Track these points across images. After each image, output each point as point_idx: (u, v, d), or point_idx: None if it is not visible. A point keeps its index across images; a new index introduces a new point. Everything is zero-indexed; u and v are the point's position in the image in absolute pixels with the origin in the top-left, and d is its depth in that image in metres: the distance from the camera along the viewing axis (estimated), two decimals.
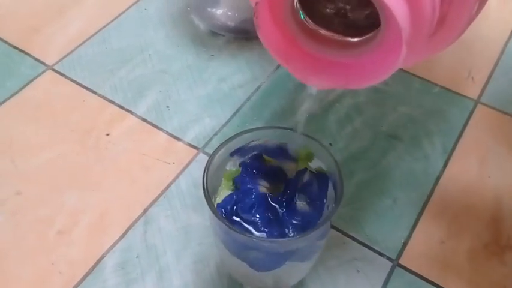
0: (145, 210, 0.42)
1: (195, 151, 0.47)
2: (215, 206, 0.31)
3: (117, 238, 0.41)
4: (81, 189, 0.44)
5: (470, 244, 0.41)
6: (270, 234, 0.30)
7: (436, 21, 0.22)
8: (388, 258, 0.40)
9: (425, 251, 0.41)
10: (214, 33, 0.56)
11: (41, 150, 0.46)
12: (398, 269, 0.40)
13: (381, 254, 0.40)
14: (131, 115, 0.49)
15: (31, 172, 0.45)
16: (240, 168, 0.32)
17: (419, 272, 0.40)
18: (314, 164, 0.34)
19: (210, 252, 0.40)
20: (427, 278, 0.39)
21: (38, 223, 0.41)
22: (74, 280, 0.39)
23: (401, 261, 0.40)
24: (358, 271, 0.40)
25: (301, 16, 0.26)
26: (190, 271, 0.39)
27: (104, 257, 0.40)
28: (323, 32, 0.27)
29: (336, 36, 0.26)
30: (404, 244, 0.41)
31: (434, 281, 0.39)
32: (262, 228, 0.30)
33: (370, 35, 0.25)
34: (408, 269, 0.40)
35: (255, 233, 0.30)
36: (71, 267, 0.39)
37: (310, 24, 0.26)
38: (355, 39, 0.26)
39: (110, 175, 0.45)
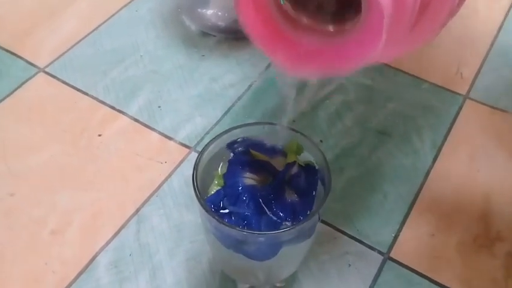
0: (138, 209, 0.43)
1: (187, 150, 0.47)
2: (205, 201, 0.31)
3: (110, 237, 0.41)
4: (74, 189, 0.44)
5: (460, 237, 0.42)
6: (258, 226, 0.30)
7: (417, 10, 0.23)
8: (379, 252, 0.41)
9: (415, 245, 0.41)
10: (205, 34, 0.57)
11: (33, 151, 0.46)
12: (389, 263, 0.40)
13: (371, 248, 0.41)
14: (123, 115, 0.49)
15: (24, 173, 0.45)
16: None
17: (410, 265, 0.40)
18: (303, 159, 0.34)
19: (202, 250, 0.40)
20: (418, 270, 0.40)
21: (31, 223, 0.42)
22: (67, 279, 0.39)
23: (392, 255, 0.41)
24: (349, 265, 0.40)
25: (282, 1, 0.26)
26: (183, 269, 0.40)
27: (97, 256, 0.40)
28: (304, 20, 0.27)
29: (317, 25, 0.27)
30: (395, 238, 0.42)
31: (425, 274, 0.40)
32: (252, 220, 0.30)
33: (350, 23, 0.25)
34: (399, 262, 0.40)
35: (242, 225, 0.30)
36: (64, 267, 0.39)
37: (292, 12, 0.27)
38: (336, 28, 0.26)
39: (102, 175, 0.45)
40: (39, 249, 0.40)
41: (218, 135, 0.34)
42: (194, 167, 0.32)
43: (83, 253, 0.40)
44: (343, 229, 0.42)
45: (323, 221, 0.42)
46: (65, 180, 0.44)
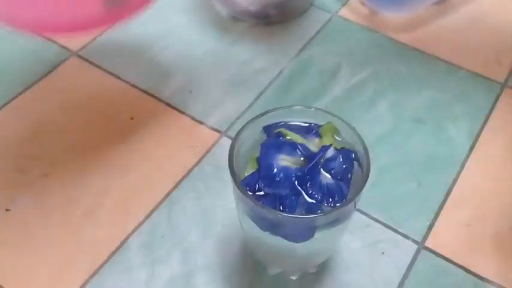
0: (169, 193, 0.43)
1: (218, 135, 0.47)
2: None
3: (142, 219, 0.41)
4: (106, 171, 0.44)
5: (497, 227, 0.41)
6: (293, 207, 0.30)
7: None
8: (414, 241, 0.40)
9: (451, 234, 0.40)
10: (235, 19, 0.56)
11: (67, 133, 0.47)
12: (423, 252, 0.39)
13: (406, 237, 0.40)
14: (155, 99, 0.49)
15: (58, 155, 0.45)
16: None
17: (445, 255, 0.39)
18: (340, 145, 0.34)
19: (234, 234, 0.40)
20: (453, 260, 0.39)
21: (65, 204, 0.42)
22: (100, 260, 0.39)
23: (426, 244, 0.40)
24: (383, 253, 0.39)
25: None
26: (215, 252, 0.39)
27: (129, 237, 0.40)
28: None
29: None
30: (430, 227, 0.41)
31: (461, 264, 0.39)
32: (287, 201, 0.30)
33: None
34: (434, 251, 0.39)
35: (278, 206, 0.30)
36: (97, 247, 0.40)
37: None
38: None
39: (134, 158, 0.45)
40: (73, 230, 0.41)
41: (255, 117, 0.34)
42: (230, 149, 0.32)
43: (115, 234, 0.40)
44: (376, 217, 0.41)
45: (357, 209, 0.41)
46: (98, 162, 0.45)
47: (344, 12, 0.57)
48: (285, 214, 0.29)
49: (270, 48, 0.54)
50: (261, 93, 0.50)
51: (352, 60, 0.53)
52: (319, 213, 0.30)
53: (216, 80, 0.51)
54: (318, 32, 0.55)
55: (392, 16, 0.57)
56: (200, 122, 0.48)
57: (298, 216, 0.30)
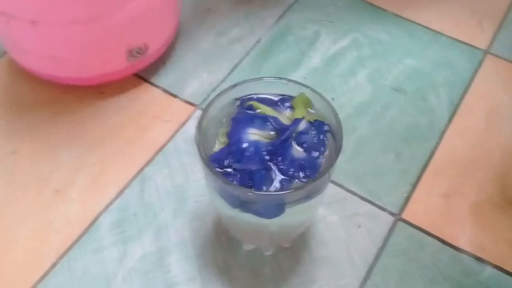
0: (141, 169, 0.42)
1: (193, 108, 0.45)
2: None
3: (113, 197, 0.40)
4: (77, 148, 0.43)
5: (475, 197, 0.40)
6: (263, 182, 0.29)
7: None
8: (390, 213, 0.39)
9: (428, 205, 0.40)
10: None
11: (35, 109, 0.45)
12: (400, 224, 0.39)
13: (382, 209, 0.40)
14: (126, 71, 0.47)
15: (26, 131, 0.44)
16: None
17: (421, 226, 0.39)
18: (313, 117, 0.32)
19: (207, 210, 0.39)
20: (430, 232, 0.39)
21: (35, 182, 0.41)
22: (71, 238, 0.38)
23: (403, 216, 0.39)
24: (359, 226, 0.39)
25: None
26: (188, 228, 0.39)
27: (101, 215, 0.39)
28: None
29: None
30: (407, 199, 0.40)
31: (437, 235, 0.38)
32: (257, 176, 0.29)
33: None
34: (410, 223, 0.39)
35: (248, 182, 0.29)
36: (69, 226, 0.39)
37: None
38: None
39: (105, 133, 0.44)
40: (44, 208, 0.40)
41: (223, 91, 0.32)
42: (197, 125, 0.30)
43: (87, 212, 0.39)
44: (353, 189, 0.40)
45: (333, 182, 0.41)
46: (68, 139, 0.43)
47: None
48: (254, 192, 0.28)
49: (248, 15, 0.52)
50: (237, 64, 0.48)
51: (332, 27, 0.51)
52: (289, 190, 0.29)
53: (190, 50, 0.49)
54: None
55: None
56: (174, 95, 0.46)
57: (267, 193, 0.29)
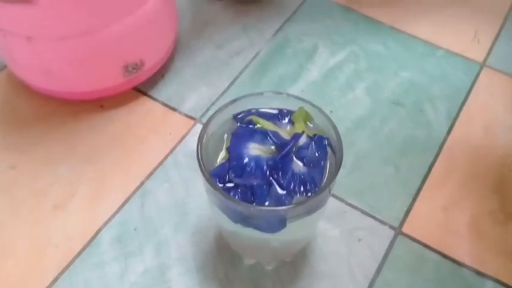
0: (142, 183, 0.42)
1: (192, 122, 0.45)
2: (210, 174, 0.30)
3: (114, 211, 0.40)
4: (77, 163, 0.43)
5: (474, 211, 0.40)
6: (264, 197, 0.29)
7: None
8: (391, 227, 0.39)
9: (428, 219, 0.40)
10: None
11: (34, 124, 0.45)
12: (400, 237, 0.39)
13: (383, 223, 0.40)
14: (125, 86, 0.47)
15: (25, 146, 0.44)
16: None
17: (421, 240, 0.39)
18: (312, 131, 0.33)
19: (208, 224, 0.39)
20: (430, 245, 0.39)
21: (34, 197, 0.41)
22: (71, 254, 0.38)
23: (403, 230, 0.39)
24: (359, 240, 0.39)
25: None
26: (189, 243, 0.39)
27: (101, 230, 0.39)
28: None
29: None
30: (407, 212, 0.40)
31: (437, 249, 0.38)
32: (258, 191, 0.29)
33: None
34: (411, 237, 0.39)
35: (249, 197, 0.29)
36: (68, 241, 0.39)
37: None
38: None
39: (105, 148, 0.44)
40: (42, 223, 0.39)
41: (223, 106, 0.32)
42: (198, 140, 0.31)
43: (87, 227, 0.39)
44: (353, 203, 0.41)
45: (333, 196, 0.41)
46: (68, 153, 0.43)
47: None
48: (255, 207, 0.28)
49: (246, 28, 0.52)
50: (236, 77, 0.48)
51: (330, 40, 0.51)
52: (290, 205, 0.29)
53: (189, 64, 0.49)
54: (295, 11, 0.54)
55: None
56: (173, 109, 0.46)
57: (268, 208, 0.29)
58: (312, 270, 0.37)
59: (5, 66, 0.48)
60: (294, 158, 0.30)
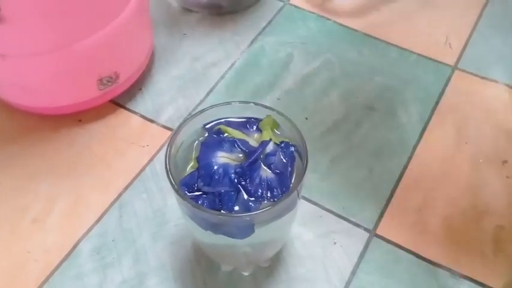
0: (120, 194, 0.42)
1: (169, 132, 0.46)
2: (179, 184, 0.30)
3: (92, 223, 0.41)
4: (55, 176, 0.43)
5: (448, 211, 0.41)
6: (232, 204, 0.29)
7: None
8: (365, 229, 0.40)
9: (402, 220, 0.41)
10: (186, 10, 0.55)
11: (14, 139, 0.45)
12: (375, 239, 0.40)
13: (357, 225, 0.40)
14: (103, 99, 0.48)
15: (5, 161, 0.44)
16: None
17: (396, 241, 0.39)
18: (280, 138, 0.33)
19: (186, 233, 0.40)
20: (404, 246, 0.39)
21: (12, 212, 0.41)
22: (50, 267, 0.38)
23: (378, 232, 0.40)
24: (335, 243, 0.39)
25: None
26: (167, 253, 0.39)
27: (80, 242, 0.40)
28: None
29: None
30: (381, 214, 0.41)
31: (412, 250, 0.39)
32: (226, 198, 0.29)
33: None
34: (385, 238, 0.40)
35: (217, 204, 0.30)
36: (47, 254, 0.39)
37: None
38: None
39: (83, 160, 0.44)
40: (21, 238, 0.40)
41: (191, 116, 0.33)
42: (166, 151, 0.31)
43: (65, 240, 0.40)
44: (328, 207, 0.41)
45: (308, 200, 0.41)
46: (46, 167, 0.44)
47: (296, 0, 0.57)
48: (222, 214, 0.29)
49: (222, 40, 0.53)
50: (212, 88, 0.49)
51: (304, 49, 0.52)
52: (256, 211, 0.29)
53: (166, 76, 0.50)
54: (269, 22, 0.55)
55: (343, 2, 0.57)
56: (151, 120, 0.47)
57: (235, 215, 0.29)
58: (289, 274, 0.38)
59: None
60: (262, 164, 0.31)
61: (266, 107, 0.33)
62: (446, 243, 0.40)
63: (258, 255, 0.35)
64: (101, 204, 0.42)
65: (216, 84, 0.50)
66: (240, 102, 0.34)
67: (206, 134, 0.33)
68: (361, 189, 0.42)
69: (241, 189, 0.30)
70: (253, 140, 0.33)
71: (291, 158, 0.32)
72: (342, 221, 0.41)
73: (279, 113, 0.33)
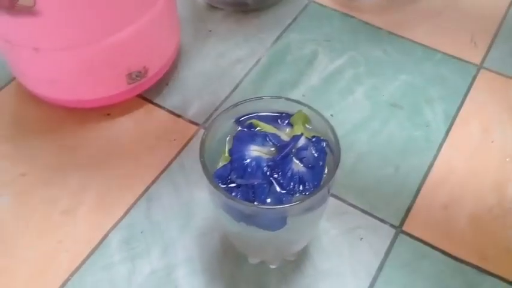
0: (148, 188, 0.43)
1: (196, 127, 0.47)
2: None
3: (121, 215, 0.41)
4: (85, 169, 0.44)
5: (474, 208, 0.41)
6: (265, 196, 0.30)
7: None
8: (391, 225, 0.40)
9: (428, 217, 0.41)
10: (212, 7, 0.56)
11: (41, 131, 0.46)
12: (401, 236, 0.40)
13: (383, 221, 0.40)
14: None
15: (35, 154, 0.45)
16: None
17: (422, 238, 0.40)
18: (311, 133, 0.34)
19: (213, 226, 0.40)
20: (431, 243, 0.39)
21: (43, 204, 0.42)
22: (80, 257, 0.39)
23: (404, 228, 0.40)
24: (361, 239, 0.40)
25: None
26: (195, 245, 0.40)
27: (109, 234, 0.40)
28: None
29: None
30: (407, 211, 0.41)
31: (438, 246, 0.39)
32: (259, 190, 0.30)
33: None
34: (411, 235, 0.40)
35: (251, 196, 0.30)
36: (77, 245, 0.40)
37: None
38: None
39: (112, 155, 0.45)
40: (52, 229, 0.41)
41: (225, 110, 0.34)
42: (201, 144, 0.32)
43: (95, 231, 0.40)
44: (354, 203, 0.41)
45: (334, 196, 0.42)
46: (75, 160, 0.45)
47: None
48: (255, 205, 0.30)
49: (247, 37, 0.54)
50: (238, 84, 0.50)
51: (329, 46, 0.53)
52: (289, 204, 0.30)
53: (192, 72, 0.51)
54: (294, 19, 0.55)
55: (368, 0, 0.57)
56: (178, 115, 0.47)
57: (268, 207, 0.30)
58: (315, 268, 0.38)
59: (13, 78, 0.50)
60: (294, 158, 0.32)
61: (297, 102, 0.34)
62: (472, 240, 0.40)
63: (287, 248, 0.36)
64: (129, 196, 0.42)
65: (241, 80, 0.50)
66: (272, 97, 0.34)
67: (238, 128, 0.34)
68: (387, 186, 0.42)
69: (274, 182, 0.31)
70: (284, 134, 0.33)
71: (323, 153, 0.32)
72: (368, 217, 0.41)
73: (310, 107, 0.33)
